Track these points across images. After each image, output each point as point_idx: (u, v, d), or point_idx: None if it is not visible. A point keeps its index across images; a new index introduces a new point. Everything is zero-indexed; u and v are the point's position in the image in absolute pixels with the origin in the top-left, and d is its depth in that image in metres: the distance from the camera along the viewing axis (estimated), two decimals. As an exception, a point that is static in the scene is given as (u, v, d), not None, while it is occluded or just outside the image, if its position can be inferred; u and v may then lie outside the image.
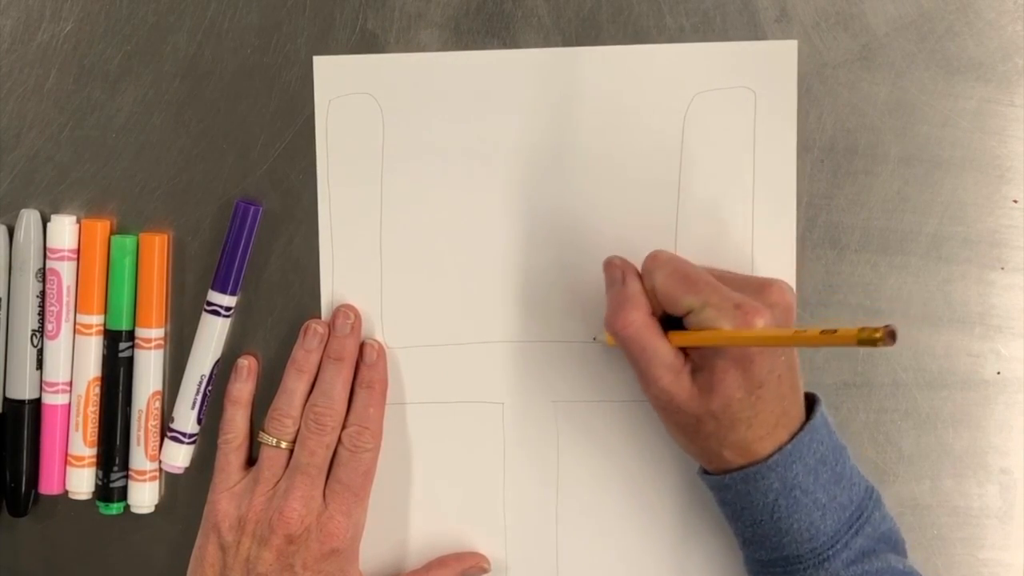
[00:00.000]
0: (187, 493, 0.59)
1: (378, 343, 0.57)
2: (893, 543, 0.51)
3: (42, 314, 0.57)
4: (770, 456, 0.49)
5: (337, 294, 0.57)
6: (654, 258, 0.51)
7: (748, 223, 0.55)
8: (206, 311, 0.57)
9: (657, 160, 0.56)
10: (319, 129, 0.57)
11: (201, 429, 0.58)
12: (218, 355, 0.57)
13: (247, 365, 0.57)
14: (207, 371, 0.57)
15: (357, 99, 0.57)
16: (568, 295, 0.57)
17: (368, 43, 0.56)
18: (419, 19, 0.56)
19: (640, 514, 0.57)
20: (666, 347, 0.49)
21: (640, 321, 0.50)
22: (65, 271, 0.57)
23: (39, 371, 0.57)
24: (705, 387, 0.49)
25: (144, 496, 0.58)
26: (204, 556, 0.54)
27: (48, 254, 0.57)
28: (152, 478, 0.58)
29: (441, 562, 0.57)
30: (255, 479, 0.55)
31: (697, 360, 0.50)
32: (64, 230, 0.57)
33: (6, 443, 0.57)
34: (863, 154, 0.56)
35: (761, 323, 0.47)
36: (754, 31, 0.56)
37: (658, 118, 0.56)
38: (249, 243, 0.57)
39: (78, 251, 0.57)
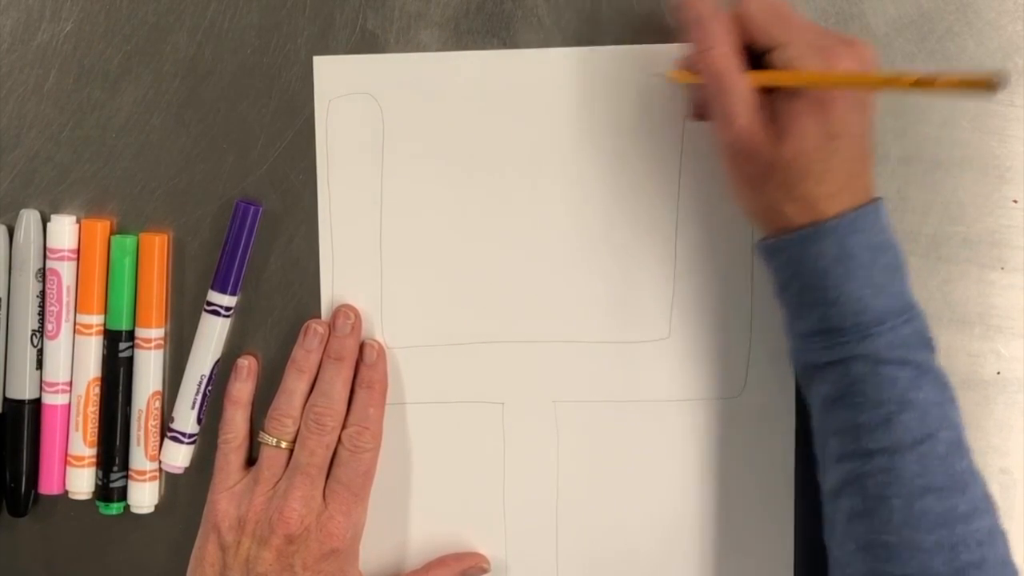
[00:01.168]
0: (187, 493, 0.58)
1: (378, 343, 0.57)
2: (936, 354, 0.50)
3: (42, 314, 0.57)
4: (832, 218, 0.48)
5: (337, 294, 0.57)
6: None
7: (748, 223, 0.55)
8: (206, 311, 0.57)
9: (657, 160, 0.56)
10: (319, 129, 0.57)
11: (201, 429, 0.58)
12: (218, 355, 0.57)
13: (247, 365, 0.57)
14: (207, 371, 0.57)
15: (357, 99, 0.57)
16: (568, 295, 0.57)
17: (368, 43, 0.56)
18: (419, 19, 0.56)
19: (640, 514, 0.57)
20: (747, 84, 0.48)
21: (727, 56, 0.48)
22: (65, 271, 0.57)
23: (39, 371, 0.57)
24: (781, 131, 0.48)
25: (144, 496, 0.58)
26: (204, 556, 0.54)
27: (48, 254, 0.57)
28: (152, 478, 0.58)
29: (441, 562, 0.57)
30: (255, 479, 0.55)
31: (775, 104, 0.48)
32: (64, 230, 0.57)
33: (6, 443, 0.57)
34: (863, 154, 0.56)
35: (844, 69, 0.46)
36: (754, 31, 0.56)
37: (658, 118, 0.56)
38: (249, 243, 0.57)
39: (78, 251, 0.57)
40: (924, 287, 0.56)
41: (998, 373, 0.57)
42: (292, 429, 0.55)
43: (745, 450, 0.57)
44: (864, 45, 0.48)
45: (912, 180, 0.56)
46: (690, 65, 0.51)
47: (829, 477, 0.51)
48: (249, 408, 0.57)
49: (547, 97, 0.56)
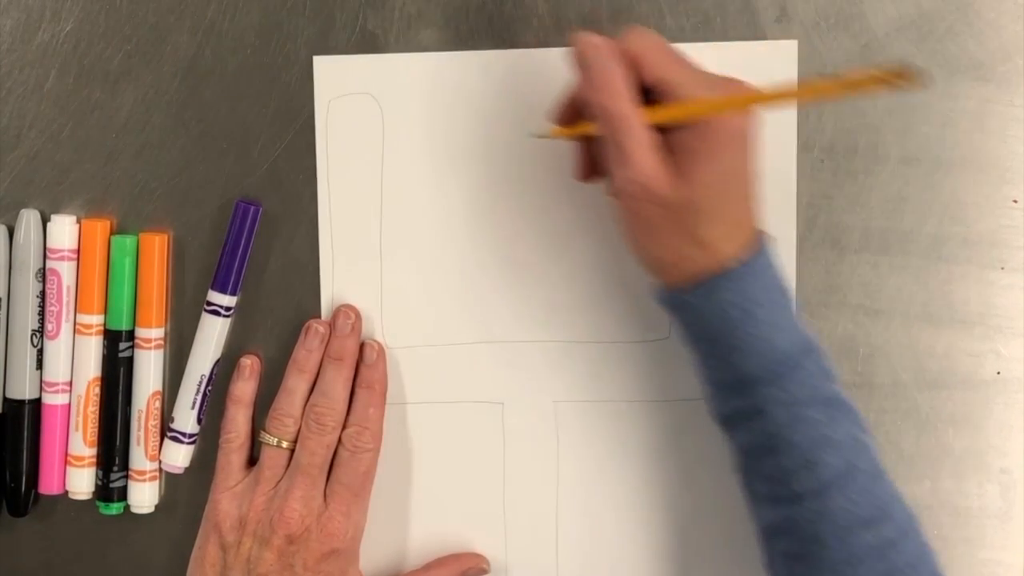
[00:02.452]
0: (187, 493, 0.59)
1: (378, 343, 0.57)
2: (837, 383, 0.50)
3: (42, 314, 0.57)
4: (731, 267, 0.47)
5: (337, 294, 0.57)
6: (638, 31, 0.48)
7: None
8: (206, 311, 0.57)
9: (657, 160, 0.56)
10: (319, 129, 0.57)
11: (201, 429, 0.58)
12: (218, 355, 0.57)
13: (249, 364, 0.57)
14: (207, 371, 0.57)
15: (357, 99, 0.57)
16: (568, 295, 0.57)
17: (368, 43, 0.56)
18: (419, 19, 0.56)
19: (640, 514, 0.57)
20: (647, 128, 0.47)
21: (624, 93, 0.47)
22: (65, 271, 0.57)
23: (39, 371, 0.57)
24: (677, 172, 0.47)
25: (144, 496, 0.58)
26: (204, 556, 0.54)
27: (48, 254, 0.57)
28: (152, 478, 0.58)
29: (440, 562, 0.57)
30: (256, 479, 0.55)
31: (669, 145, 0.47)
32: (64, 230, 0.57)
33: (6, 443, 0.57)
34: (863, 154, 0.56)
35: (747, 92, 0.47)
36: (754, 31, 0.56)
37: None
38: (249, 243, 0.57)
39: (78, 251, 0.57)
40: (924, 287, 0.56)
41: (998, 373, 0.57)
42: (293, 429, 0.55)
43: (745, 450, 0.57)
44: (748, 84, 0.48)
45: (912, 180, 0.56)
46: (579, 108, 0.49)
47: (762, 517, 0.51)
48: (251, 408, 0.57)
49: (547, 97, 0.56)
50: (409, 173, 0.57)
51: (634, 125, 0.47)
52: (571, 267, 0.57)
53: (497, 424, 0.58)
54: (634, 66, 0.48)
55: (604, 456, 0.57)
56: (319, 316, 0.57)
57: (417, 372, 0.58)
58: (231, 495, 0.55)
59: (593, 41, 0.48)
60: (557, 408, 0.57)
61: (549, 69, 0.56)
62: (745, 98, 0.46)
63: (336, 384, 0.55)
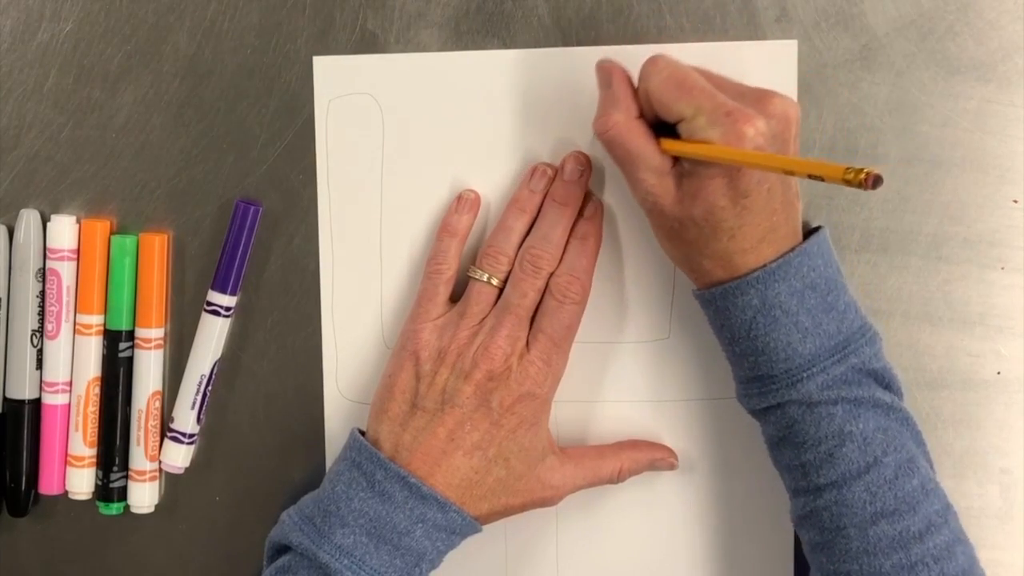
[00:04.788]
0: (187, 493, 0.59)
1: (598, 199, 0.55)
2: (884, 382, 0.50)
3: (42, 314, 0.57)
4: (752, 272, 0.48)
5: (337, 294, 0.57)
6: (652, 62, 0.50)
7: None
8: (206, 311, 0.57)
9: (657, 160, 0.56)
10: (319, 129, 0.57)
11: (201, 429, 0.58)
12: (218, 355, 0.57)
13: (471, 198, 0.56)
14: (207, 371, 0.57)
15: (357, 99, 0.57)
16: (568, 295, 0.57)
17: (368, 43, 0.56)
18: (419, 19, 0.56)
19: (640, 514, 0.57)
20: (651, 149, 0.49)
21: (623, 123, 0.49)
22: (65, 271, 0.57)
23: (39, 371, 0.57)
24: (690, 192, 0.48)
25: (144, 496, 0.58)
26: (395, 384, 0.53)
27: (48, 254, 0.57)
28: (152, 478, 0.58)
29: (634, 445, 0.56)
30: (460, 313, 0.54)
31: (687, 165, 0.49)
32: (64, 230, 0.57)
33: (6, 443, 0.57)
34: (863, 154, 0.56)
35: (751, 131, 0.46)
36: (754, 31, 0.56)
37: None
38: (249, 243, 0.57)
39: (78, 251, 0.57)
40: (924, 287, 0.56)
41: (998, 373, 0.57)
42: (506, 267, 0.54)
43: (745, 450, 0.57)
44: (781, 100, 0.48)
45: (912, 180, 0.56)
46: (594, 132, 0.51)
47: (792, 510, 0.52)
48: (464, 242, 0.56)
49: (547, 97, 0.56)
50: (409, 173, 0.57)
51: (636, 153, 0.49)
52: (571, 267, 0.57)
53: (497, 424, 0.58)
54: (647, 103, 0.49)
55: (604, 456, 0.57)
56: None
57: (417, 372, 0.57)
58: (433, 326, 0.54)
59: (604, 66, 0.52)
60: (557, 408, 0.57)
61: (549, 69, 0.56)
62: (743, 157, 0.46)
63: (557, 228, 0.54)
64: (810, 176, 0.42)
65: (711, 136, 0.47)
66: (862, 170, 0.39)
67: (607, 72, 0.52)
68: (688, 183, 0.48)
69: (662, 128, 0.50)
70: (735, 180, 0.47)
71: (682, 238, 0.50)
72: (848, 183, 0.40)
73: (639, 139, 0.49)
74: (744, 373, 0.51)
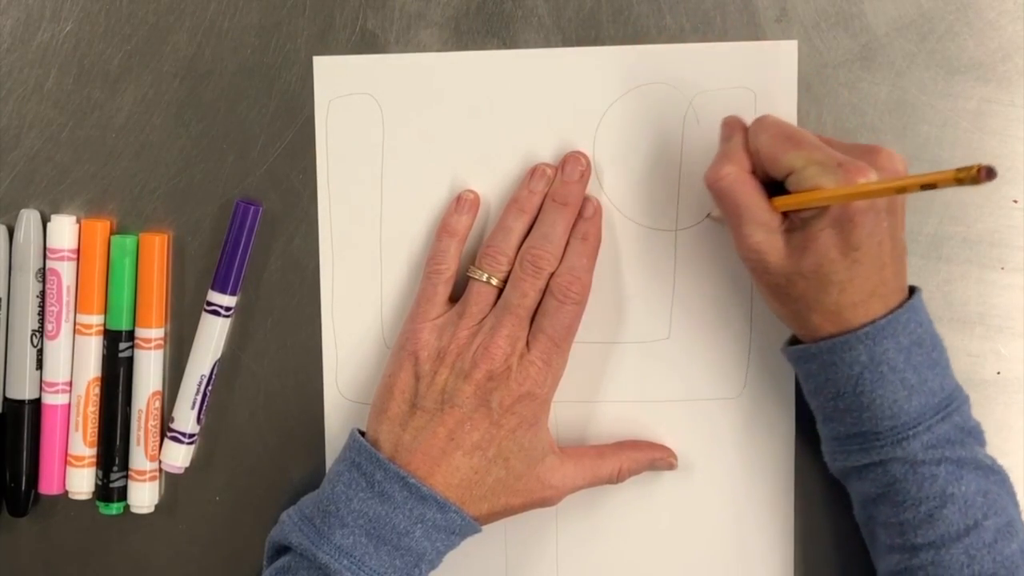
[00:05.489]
0: (187, 493, 0.59)
1: (597, 199, 0.55)
2: (981, 440, 0.51)
3: (42, 314, 0.57)
4: (862, 327, 0.48)
5: (337, 294, 0.57)
6: (760, 120, 0.50)
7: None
8: (206, 311, 0.57)
9: (657, 160, 0.56)
10: (319, 129, 0.57)
11: (201, 429, 0.58)
12: (218, 355, 0.57)
13: (471, 198, 0.56)
14: (207, 371, 0.57)
15: (357, 99, 0.57)
16: (568, 295, 0.57)
17: (368, 43, 0.56)
18: (419, 19, 0.56)
19: (639, 515, 0.57)
20: (761, 204, 0.49)
21: (734, 176, 0.49)
22: (65, 271, 0.57)
23: (39, 371, 0.57)
24: (799, 246, 0.48)
25: (144, 496, 0.58)
26: (395, 384, 0.53)
27: (48, 254, 0.57)
28: (152, 478, 0.58)
29: (634, 445, 0.56)
30: (460, 313, 0.54)
31: (796, 222, 0.49)
32: (64, 230, 0.57)
33: (6, 443, 0.57)
34: (863, 154, 0.56)
35: (863, 182, 0.46)
36: (754, 31, 0.56)
37: (659, 119, 0.56)
38: (249, 243, 0.57)
39: (78, 251, 0.57)
40: (924, 287, 0.56)
41: (998, 373, 0.57)
42: (505, 267, 0.54)
43: (745, 450, 0.57)
44: (889, 155, 0.48)
45: (912, 180, 0.56)
46: (706, 184, 0.51)
47: (881, 565, 0.52)
48: (464, 242, 0.56)
49: (547, 97, 0.56)
50: (409, 173, 0.57)
51: (744, 207, 0.49)
52: (571, 267, 0.57)
53: (497, 424, 0.58)
54: (756, 160, 0.50)
55: (604, 456, 0.57)
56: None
57: (417, 372, 0.57)
58: (432, 326, 0.54)
59: (730, 121, 0.52)
60: (557, 408, 0.57)
61: (549, 69, 0.56)
62: (857, 191, 0.46)
63: (557, 228, 0.54)
64: (922, 187, 0.43)
65: (822, 184, 0.47)
66: (972, 167, 0.40)
67: (730, 128, 0.52)
68: (797, 238, 0.48)
69: (772, 192, 0.50)
70: (846, 233, 0.47)
71: (789, 294, 0.50)
72: (962, 183, 0.40)
73: (749, 193, 0.49)
74: (843, 430, 0.51)
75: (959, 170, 0.40)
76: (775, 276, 0.49)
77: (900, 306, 0.49)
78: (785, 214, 0.49)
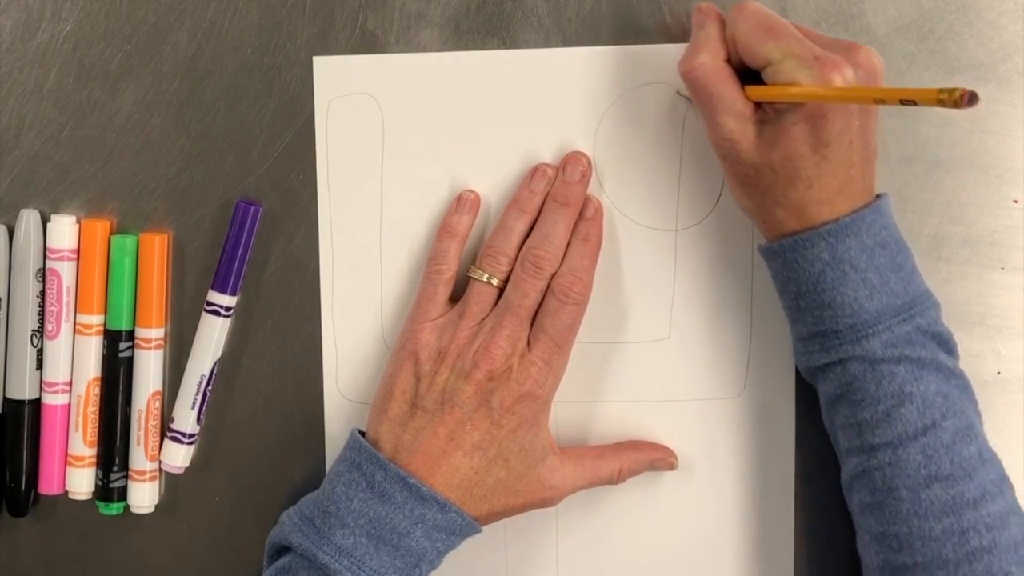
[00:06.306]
0: (187, 493, 0.59)
1: (598, 200, 0.55)
2: (947, 348, 0.50)
3: (42, 314, 0.57)
4: (824, 224, 0.48)
5: (337, 294, 0.57)
6: (740, 8, 0.50)
7: (748, 224, 0.55)
8: (206, 311, 0.57)
9: (657, 160, 0.56)
10: (319, 129, 0.57)
11: (201, 429, 0.58)
12: (218, 355, 0.57)
13: (471, 199, 0.56)
14: (207, 371, 0.57)
15: (357, 99, 0.57)
16: (568, 295, 0.57)
17: (368, 43, 0.56)
18: (419, 19, 0.56)
19: (639, 515, 0.57)
20: (734, 93, 0.49)
21: (709, 65, 0.49)
22: (65, 271, 0.57)
23: (39, 371, 0.57)
24: (770, 139, 0.48)
25: (144, 496, 0.58)
26: (395, 384, 0.53)
27: (48, 254, 0.57)
28: (152, 478, 0.58)
29: (634, 445, 0.56)
30: (460, 313, 0.54)
31: (769, 113, 0.49)
32: (64, 230, 0.57)
33: (6, 443, 0.57)
34: (863, 154, 0.56)
35: (840, 79, 0.46)
36: (754, 31, 0.55)
37: (659, 118, 0.56)
38: (249, 243, 0.57)
39: (78, 251, 0.57)
40: (924, 287, 0.56)
41: (998, 373, 0.57)
42: (506, 268, 0.54)
43: (745, 450, 0.57)
44: (867, 52, 0.48)
45: (912, 180, 0.56)
46: (679, 72, 0.51)
47: (843, 471, 0.52)
48: (464, 242, 0.56)
49: (547, 97, 0.56)
50: (409, 173, 0.57)
51: (715, 94, 0.49)
52: (571, 267, 0.57)
53: (497, 424, 0.58)
54: (734, 48, 0.49)
55: (604, 456, 0.57)
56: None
57: (417, 372, 0.57)
58: (433, 326, 0.54)
59: (702, 7, 0.51)
60: (557, 408, 0.57)
61: (549, 69, 0.56)
62: (832, 93, 0.46)
63: (558, 228, 0.54)
64: (902, 102, 0.42)
65: (799, 79, 0.47)
66: (956, 89, 0.39)
67: (703, 15, 0.51)
68: (769, 129, 0.48)
69: (747, 78, 0.49)
70: (817, 128, 0.47)
71: (757, 186, 0.50)
72: (943, 103, 0.39)
73: (723, 82, 0.49)
74: (806, 329, 0.51)
75: (941, 90, 0.39)
76: (745, 166, 0.49)
77: (866, 207, 0.49)
78: (759, 104, 0.49)
